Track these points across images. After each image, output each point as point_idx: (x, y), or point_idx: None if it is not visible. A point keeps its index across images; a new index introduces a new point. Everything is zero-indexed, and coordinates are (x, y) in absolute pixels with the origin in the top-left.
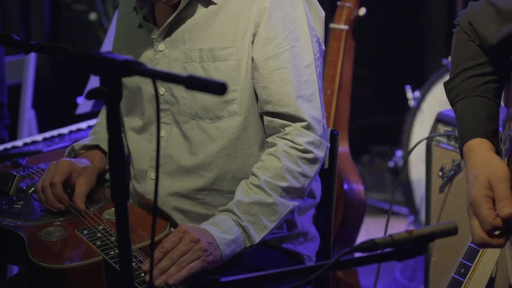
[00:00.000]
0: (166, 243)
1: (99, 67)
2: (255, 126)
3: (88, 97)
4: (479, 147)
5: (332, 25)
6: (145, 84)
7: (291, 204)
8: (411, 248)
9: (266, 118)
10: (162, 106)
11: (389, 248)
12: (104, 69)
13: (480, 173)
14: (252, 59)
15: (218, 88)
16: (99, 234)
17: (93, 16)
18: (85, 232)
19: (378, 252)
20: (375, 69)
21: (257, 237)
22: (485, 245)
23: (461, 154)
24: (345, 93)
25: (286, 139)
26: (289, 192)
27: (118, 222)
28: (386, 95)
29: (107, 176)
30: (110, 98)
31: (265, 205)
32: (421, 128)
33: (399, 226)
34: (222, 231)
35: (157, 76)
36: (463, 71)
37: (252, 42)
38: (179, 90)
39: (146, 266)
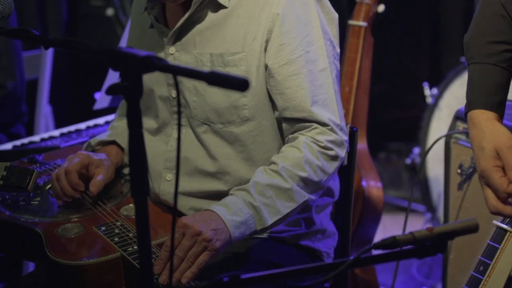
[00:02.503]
0: (170, 241)
1: (120, 62)
2: (271, 132)
3: (109, 92)
4: (484, 115)
5: (350, 22)
6: (158, 86)
7: (307, 195)
8: (431, 245)
9: (284, 123)
10: (176, 109)
11: (410, 245)
12: (125, 65)
13: (486, 143)
14: (266, 66)
15: (240, 84)
16: (116, 231)
17: (110, 11)
18: (103, 228)
19: (398, 249)
20: (391, 66)
21: (269, 220)
22: (499, 213)
23: (466, 118)
24: (364, 90)
25: (307, 135)
26: (306, 183)
27: (138, 219)
28: (402, 92)
29: (125, 171)
30: (130, 94)
31: (281, 189)
32: (438, 125)
33: (416, 224)
34: (232, 212)
35: (178, 71)
36: (483, 35)
37: (265, 49)
38: (190, 94)
39: (157, 267)
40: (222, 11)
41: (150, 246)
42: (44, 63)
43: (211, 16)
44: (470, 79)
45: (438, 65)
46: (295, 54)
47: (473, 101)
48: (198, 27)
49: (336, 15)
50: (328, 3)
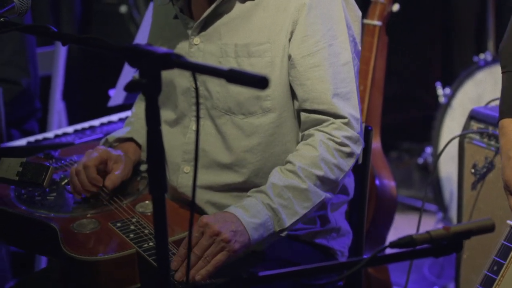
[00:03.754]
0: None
1: (139, 59)
2: (291, 124)
3: (127, 89)
4: None
5: (365, 21)
6: (180, 77)
7: (324, 194)
8: (448, 244)
9: (303, 114)
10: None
11: (426, 244)
12: (144, 61)
13: None
14: (290, 56)
15: (260, 82)
16: (132, 227)
17: (123, 8)
18: (118, 224)
19: (415, 248)
20: (403, 65)
21: (288, 222)
22: None
23: (498, 126)
24: (378, 89)
25: (323, 131)
26: (323, 182)
27: (155, 215)
28: (414, 91)
29: (141, 168)
30: (149, 91)
31: (298, 190)
32: (451, 125)
33: (428, 223)
34: (250, 214)
35: (197, 69)
36: None
37: (290, 40)
38: (214, 84)
39: (174, 264)
40: (248, 3)
41: (167, 243)
42: (57, 60)
43: (237, 8)
44: (503, 88)
45: (450, 64)
46: (318, 46)
47: (504, 110)
48: (224, 18)
49: (360, 13)
50: (353, 1)
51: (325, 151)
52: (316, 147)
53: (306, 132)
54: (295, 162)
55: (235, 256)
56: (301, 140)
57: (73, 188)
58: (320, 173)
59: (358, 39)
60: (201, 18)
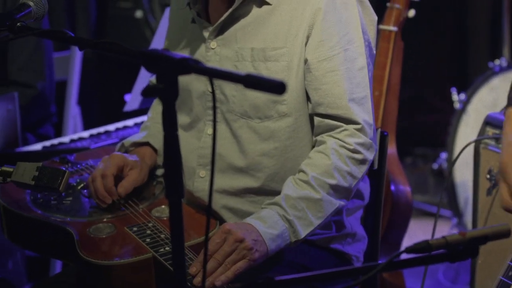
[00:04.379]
0: (211, 244)
1: (156, 65)
2: (306, 128)
3: (144, 94)
4: None
5: (381, 26)
6: (196, 81)
7: (338, 203)
8: (464, 250)
9: (316, 119)
10: (211, 104)
11: (442, 249)
12: (161, 67)
13: None
14: (306, 60)
15: (277, 87)
16: (148, 231)
17: (139, 13)
18: (135, 229)
19: (431, 253)
20: (417, 70)
21: (303, 232)
22: (510, 210)
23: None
24: (393, 94)
25: (336, 138)
26: (336, 190)
27: (172, 220)
28: (429, 96)
29: (157, 172)
30: (166, 96)
31: (312, 200)
32: (465, 130)
33: (442, 229)
34: (268, 225)
35: (215, 74)
36: None
37: (306, 44)
38: (230, 89)
39: (193, 269)
40: (265, 7)
41: (183, 247)
42: (73, 65)
43: (254, 12)
44: None
45: (465, 70)
46: (334, 50)
47: (511, 97)
48: (241, 22)
49: (376, 17)
50: (369, 5)
51: (338, 159)
52: (329, 155)
53: (319, 138)
54: (308, 171)
55: (254, 265)
56: (314, 145)
57: (90, 195)
58: (333, 181)
59: (373, 44)
60: (218, 22)
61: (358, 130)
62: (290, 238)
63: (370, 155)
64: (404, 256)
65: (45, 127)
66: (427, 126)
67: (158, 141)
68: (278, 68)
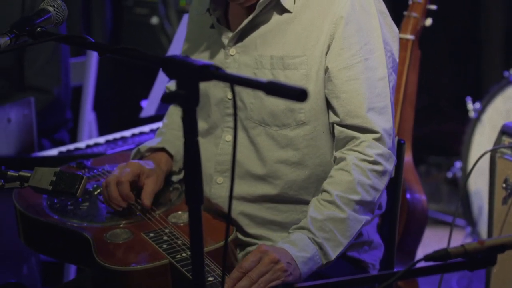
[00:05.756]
0: (246, 262)
1: (177, 71)
2: (325, 136)
3: (164, 100)
4: None
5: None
6: (214, 88)
7: (364, 218)
8: (482, 258)
9: (337, 128)
10: (230, 111)
11: (460, 258)
12: (182, 73)
13: None
14: (326, 69)
15: (299, 95)
16: (165, 237)
17: (154, 20)
18: (151, 235)
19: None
20: (432, 79)
21: (333, 254)
22: None
23: None
24: (410, 103)
25: (356, 151)
26: (361, 205)
27: (191, 226)
28: (443, 105)
29: (173, 178)
30: (187, 103)
31: (338, 220)
32: (480, 140)
33: (456, 237)
34: (299, 249)
35: (236, 81)
36: None
37: (326, 53)
38: (248, 96)
39: (226, 286)
40: (285, 15)
41: (203, 254)
42: (89, 70)
43: (274, 19)
44: None
45: (480, 79)
46: (355, 59)
47: None
48: (260, 29)
49: (397, 30)
50: (390, 18)
51: (359, 173)
52: (350, 171)
53: (338, 155)
54: (331, 191)
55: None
56: (333, 162)
57: (104, 200)
58: (357, 197)
59: (396, 55)
60: (238, 29)
61: (377, 139)
62: (321, 260)
63: (389, 166)
64: (420, 264)
65: (61, 133)
66: (442, 135)
67: (173, 147)
68: (297, 77)
